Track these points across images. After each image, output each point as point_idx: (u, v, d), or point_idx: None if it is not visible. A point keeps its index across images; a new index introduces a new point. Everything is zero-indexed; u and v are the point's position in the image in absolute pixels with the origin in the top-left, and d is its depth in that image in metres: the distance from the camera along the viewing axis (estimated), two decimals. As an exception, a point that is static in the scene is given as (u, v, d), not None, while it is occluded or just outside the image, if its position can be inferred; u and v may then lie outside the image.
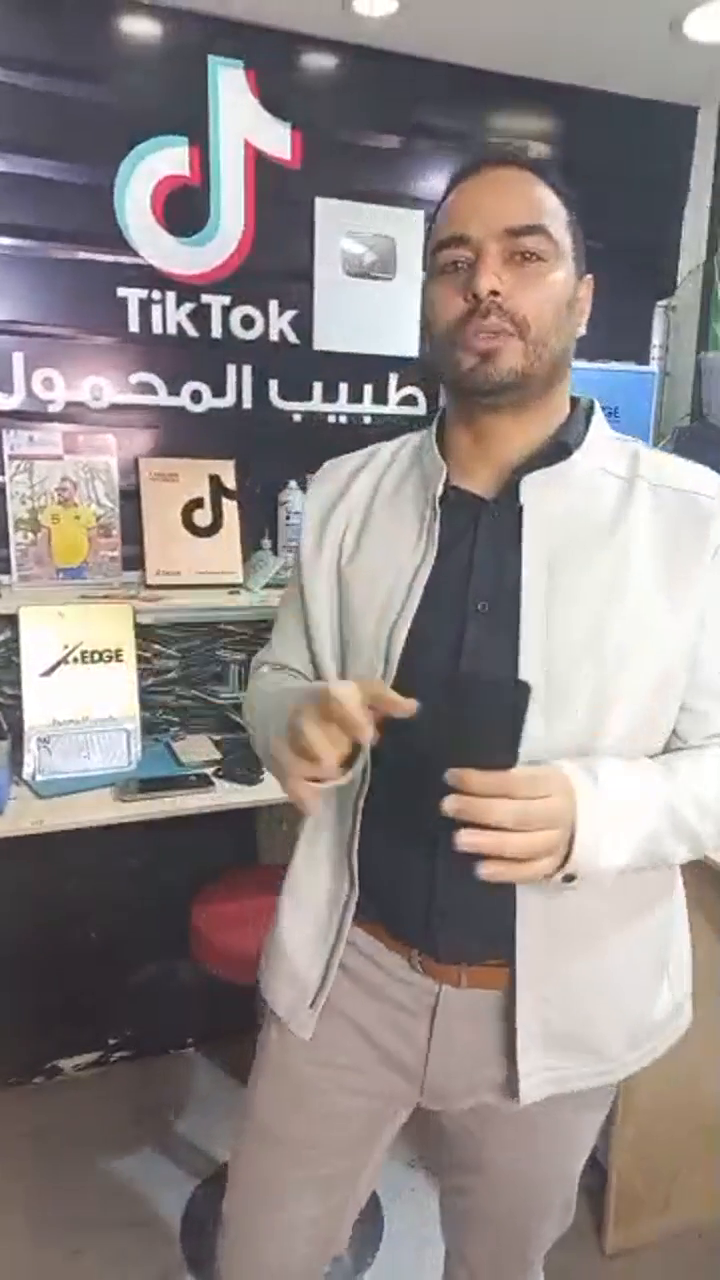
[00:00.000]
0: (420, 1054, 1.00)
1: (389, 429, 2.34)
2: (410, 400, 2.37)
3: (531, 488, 0.90)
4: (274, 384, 2.20)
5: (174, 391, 2.13)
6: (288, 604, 1.10)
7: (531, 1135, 1.06)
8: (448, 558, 0.92)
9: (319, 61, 2.12)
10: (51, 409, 2.04)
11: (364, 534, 0.99)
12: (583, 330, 0.95)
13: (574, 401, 0.98)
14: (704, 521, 0.89)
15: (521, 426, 0.93)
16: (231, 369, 2.17)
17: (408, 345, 2.31)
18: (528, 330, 0.87)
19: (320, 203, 2.14)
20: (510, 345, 0.86)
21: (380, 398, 2.33)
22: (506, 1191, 1.12)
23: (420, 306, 0.96)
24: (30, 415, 2.03)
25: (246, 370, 2.18)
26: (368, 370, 2.30)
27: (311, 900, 1.04)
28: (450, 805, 0.74)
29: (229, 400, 2.18)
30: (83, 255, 2.01)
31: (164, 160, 2.02)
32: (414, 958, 0.98)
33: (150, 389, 2.11)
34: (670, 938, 1.03)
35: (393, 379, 2.34)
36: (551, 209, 0.90)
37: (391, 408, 2.35)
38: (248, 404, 2.19)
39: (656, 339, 2.58)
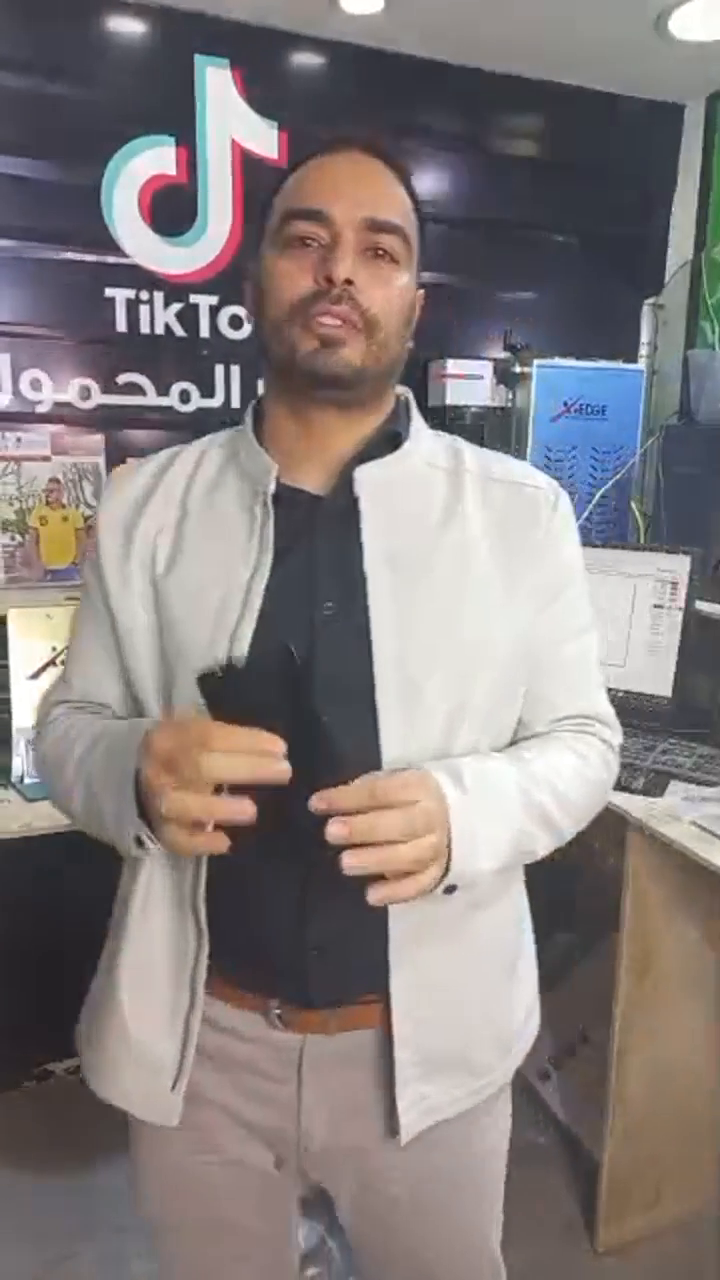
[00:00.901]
0: (290, 1118, 0.92)
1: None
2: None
3: (366, 481, 0.87)
4: (262, 384, 2.19)
5: (162, 392, 2.13)
6: (86, 629, 0.95)
7: (423, 1190, 0.97)
8: (285, 561, 0.85)
9: (306, 60, 2.11)
10: (39, 410, 2.03)
11: (180, 541, 0.89)
12: (410, 343, 0.92)
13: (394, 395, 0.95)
14: (531, 509, 0.91)
15: (350, 423, 0.89)
16: (220, 369, 2.16)
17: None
18: (376, 329, 0.83)
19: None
20: (354, 339, 0.82)
21: (369, 397, 2.33)
22: (420, 1269, 1.02)
23: (254, 277, 0.89)
24: (18, 416, 2.02)
25: (235, 370, 2.17)
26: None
27: (152, 965, 0.91)
28: (335, 831, 0.67)
29: (218, 400, 2.18)
30: (70, 255, 2.00)
31: (151, 160, 2.01)
32: (272, 1011, 0.88)
33: (139, 389, 2.11)
34: (520, 937, 1.00)
35: (381, 378, 2.34)
36: (408, 214, 0.87)
37: (380, 407, 2.35)
38: (236, 404, 2.19)
39: (644, 337, 2.58)
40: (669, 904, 1.65)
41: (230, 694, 0.67)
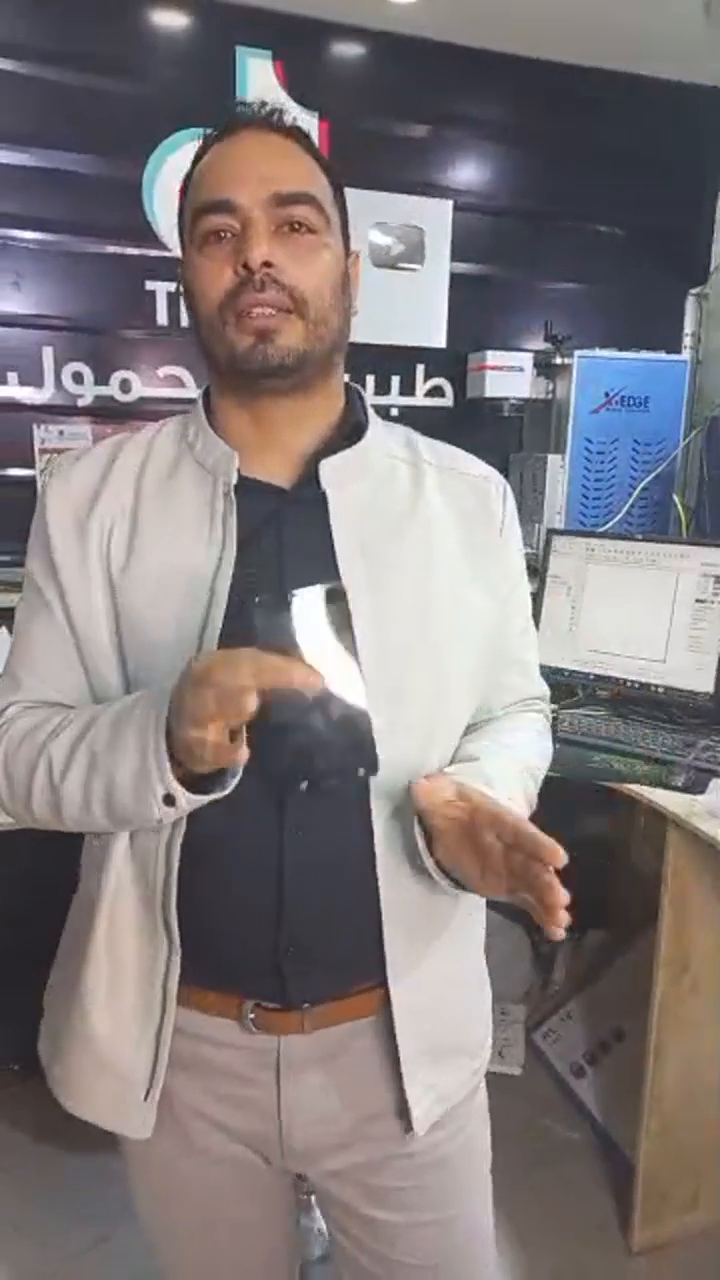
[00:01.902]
0: (270, 1120, 0.90)
1: (417, 420, 2.33)
2: (438, 391, 2.36)
3: (332, 474, 0.85)
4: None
5: (202, 384, 2.13)
6: (36, 626, 0.89)
7: (422, 1180, 0.95)
8: (249, 554, 0.83)
9: (347, 50, 2.11)
10: (81, 402, 2.05)
11: (135, 536, 0.85)
12: (357, 309, 0.88)
13: (346, 387, 0.93)
14: (488, 501, 0.93)
15: (306, 410, 0.86)
16: (259, 361, 2.17)
17: (435, 336, 2.30)
18: (306, 308, 0.80)
19: (348, 193, 2.12)
20: (289, 324, 0.80)
21: (407, 389, 2.32)
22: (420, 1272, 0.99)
23: (182, 280, 0.86)
24: (60, 409, 2.04)
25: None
26: (395, 361, 2.29)
27: (119, 975, 0.88)
28: (560, 900, 0.67)
29: (256, 392, 2.18)
30: (111, 249, 2.02)
31: (192, 152, 2.01)
32: (246, 1014, 0.86)
33: (179, 382, 2.12)
34: (483, 915, 1.00)
35: (420, 370, 2.33)
36: (320, 181, 0.84)
37: (419, 399, 2.34)
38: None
39: (688, 328, 2.54)
40: (708, 902, 1.63)
41: (268, 625, 0.68)
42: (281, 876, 0.82)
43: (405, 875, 0.84)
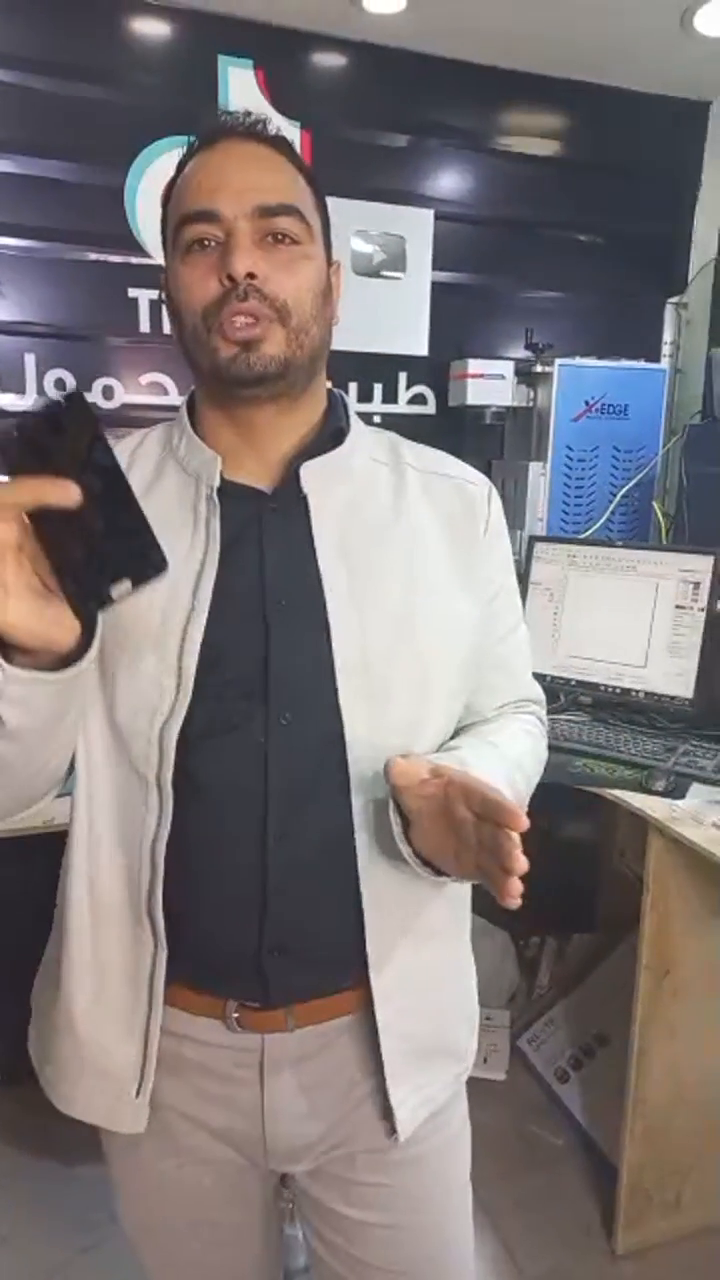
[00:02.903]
0: (254, 1120, 0.90)
1: (399, 428, 2.34)
2: (420, 399, 2.37)
3: (312, 477, 0.85)
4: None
5: (185, 391, 2.12)
6: None
7: (404, 1181, 0.95)
8: (231, 557, 0.84)
9: (328, 60, 2.12)
10: (63, 409, 2.05)
11: None
12: (339, 318, 0.89)
13: (329, 393, 0.93)
14: (474, 504, 0.92)
15: (287, 417, 0.87)
16: (242, 368, 2.17)
17: (417, 344, 2.31)
18: (289, 317, 0.81)
19: (330, 202, 2.13)
20: (272, 332, 0.80)
21: (390, 396, 2.33)
22: (410, 1261, 0.99)
23: (165, 287, 0.87)
24: (42, 415, 2.03)
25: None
26: (377, 369, 2.30)
27: (105, 973, 0.88)
28: (516, 890, 0.66)
29: (239, 399, 2.18)
30: (94, 256, 2.02)
31: (175, 160, 1.99)
32: (230, 1013, 0.87)
33: (161, 389, 2.12)
34: (469, 917, 0.99)
35: (402, 377, 2.34)
36: (303, 190, 0.84)
37: (401, 406, 2.35)
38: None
39: (667, 336, 2.57)
40: (690, 906, 1.64)
41: (25, 450, 0.63)
42: (265, 877, 0.83)
43: (387, 873, 0.85)
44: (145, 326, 2.08)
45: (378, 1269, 0.98)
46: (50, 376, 2.02)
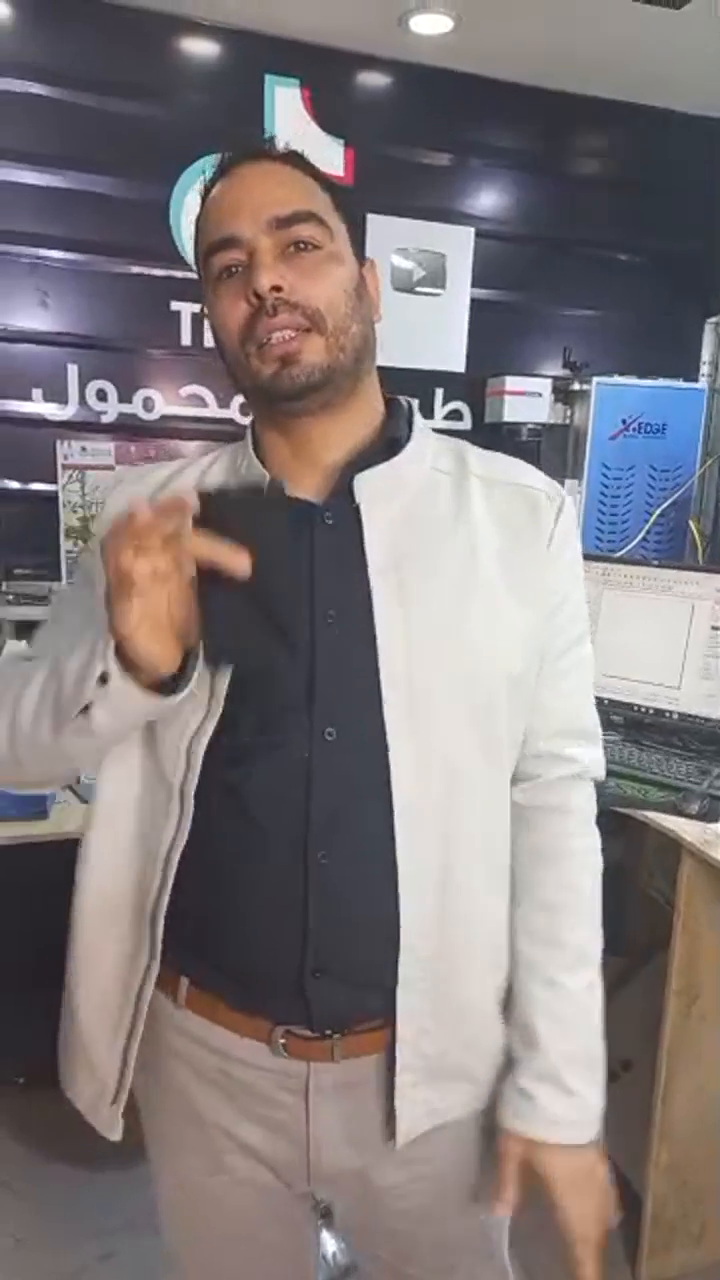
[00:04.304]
0: (299, 1146, 0.89)
1: (435, 443, 2.35)
2: (456, 415, 2.38)
3: (366, 488, 0.84)
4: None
5: (224, 404, 2.16)
6: (69, 611, 0.92)
7: (431, 1195, 0.95)
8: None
9: (373, 80, 2.15)
10: (104, 419, 2.08)
11: None
12: (379, 317, 0.88)
13: (390, 401, 0.92)
14: (538, 514, 0.89)
15: (339, 425, 0.86)
16: (280, 382, 2.19)
17: (455, 360, 2.32)
18: (324, 322, 0.80)
19: (372, 219, 2.16)
20: (309, 342, 0.80)
21: (426, 412, 2.34)
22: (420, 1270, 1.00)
23: (208, 319, 0.88)
24: (84, 426, 2.07)
25: (295, 383, 2.20)
26: (413, 384, 2.31)
27: (100, 970, 0.90)
28: None
29: (277, 413, 2.20)
30: (137, 270, 2.06)
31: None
32: (276, 1039, 0.85)
33: (201, 401, 2.15)
34: (507, 947, 0.96)
35: (439, 393, 2.35)
36: (318, 196, 0.84)
37: (437, 421, 2.36)
38: (295, 416, 2.21)
39: (706, 356, 2.56)
40: (720, 931, 1.62)
41: (215, 516, 0.70)
42: (306, 896, 0.82)
43: (429, 895, 0.84)
44: (186, 339, 2.11)
45: (405, 1273, 1.00)
46: (92, 387, 2.06)
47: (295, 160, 0.85)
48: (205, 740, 0.82)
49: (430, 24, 1.93)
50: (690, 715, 1.86)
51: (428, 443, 0.90)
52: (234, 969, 0.86)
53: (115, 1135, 0.91)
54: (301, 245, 0.81)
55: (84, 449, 2.05)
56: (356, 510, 0.85)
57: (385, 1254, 1.00)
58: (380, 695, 0.81)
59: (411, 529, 0.86)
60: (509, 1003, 0.93)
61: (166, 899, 0.85)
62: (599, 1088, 0.91)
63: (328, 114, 2.10)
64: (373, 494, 0.85)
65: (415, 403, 0.94)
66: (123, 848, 0.88)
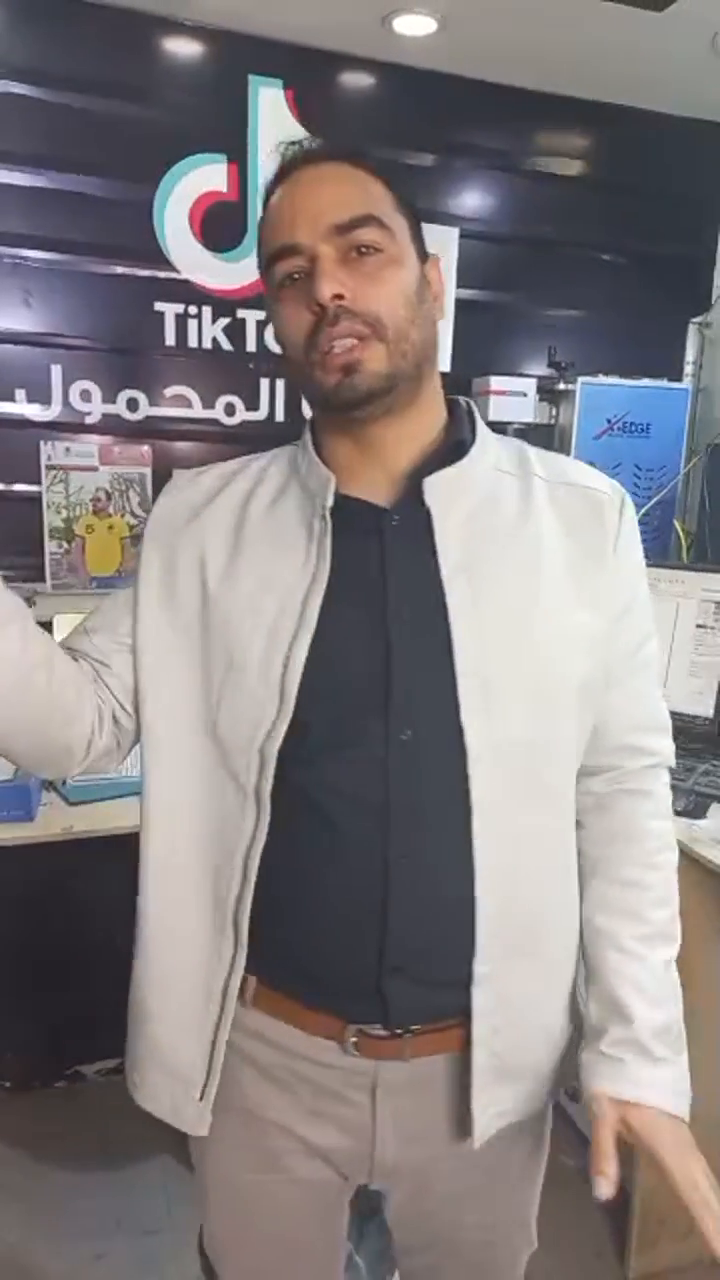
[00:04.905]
0: (364, 1140, 0.91)
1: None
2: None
3: (435, 490, 0.85)
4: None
5: (208, 404, 2.16)
6: (118, 599, 0.95)
7: (482, 1178, 0.97)
8: (350, 572, 0.84)
9: (357, 81, 2.15)
10: (88, 420, 2.07)
11: (237, 551, 0.88)
12: (440, 315, 0.88)
13: (451, 402, 0.93)
14: (603, 515, 0.89)
15: (405, 429, 0.86)
16: (265, 383, 2.19)
17: (440, 360, 2.32)
18: (385, 330, 0.80)
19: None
20: (371, 349, 0.80)
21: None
22: (472, 1251, 1.02)
23: (271, 327, 0.89)
24: (67, 426, 2.06)
25: (280, 384, 2.20)
26: (400, 384, 2.31)
27: (179, 971, 0.90)
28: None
29: (262, 413, 2.20)
30: (121, 270, 2.05)
31: (203, 177, 2.05)
32: (347, 1037, 0.86)
33: (185, 402, 2.14)
34: (576, 946, 0.98)
35: (425, 393, 2.35)
36: (378, 194, 0.83)
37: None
38: (280, 417, 2.21)
39: (689, 356, 2.57)
40: (709, 928, 1.62)
41: None
42: (386, 896, 0.83)
43: (504, 894, 0.84)
44: (170, 340, 2.10)
45: (449, 1241, 1.02)
46: (76, 388, 2.05)
47: (355, 158, 0.84)
48: (278, 742, 0.83)
49: (414, 25, 1.93)
50: (676, 713, 1.86)
51: (490, 443, 0.90)
52: (309, 968, 0.87)
53: (203, 1131, 0.91)
54: (363, 250, 0.80)
55: (68, 450, 2.04)
56: (426, 513, 0.85)
57: (428, 1230, 1.01)
58: (456, 695, 0.82)
59: (480, 530, 0.86)
60: (592, 978, 0.93)
61: (250, 899, 0.86)
62: (685, 1062, 0.93)
63: (312, 114, 2.10)
64: (442, 496, 0.85)
65: (474, 404, 0.94)
66: (188, 849, 0.89)
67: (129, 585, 0.94)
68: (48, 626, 1.96)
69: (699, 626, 1.86)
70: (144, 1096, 0.95)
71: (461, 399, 0.93)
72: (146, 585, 0.91)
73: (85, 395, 2.06)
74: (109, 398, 2.08)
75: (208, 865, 0.88)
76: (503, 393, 2.27)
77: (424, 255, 0.86)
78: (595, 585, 0.88)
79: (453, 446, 0.88)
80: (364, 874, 0.83)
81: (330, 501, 0.85)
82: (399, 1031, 0.86)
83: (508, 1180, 1.01)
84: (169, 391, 2.13)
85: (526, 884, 0.87)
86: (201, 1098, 0.90)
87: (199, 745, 0.88)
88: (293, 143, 0.85)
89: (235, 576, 0.87)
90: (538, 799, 0.87)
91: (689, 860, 1.54)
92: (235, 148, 2.06)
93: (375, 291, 0.80)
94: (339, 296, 0.79)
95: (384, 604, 0.84)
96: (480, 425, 0.91)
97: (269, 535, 0.88)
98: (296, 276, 0.81)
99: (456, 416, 0.91)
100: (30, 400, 2.03)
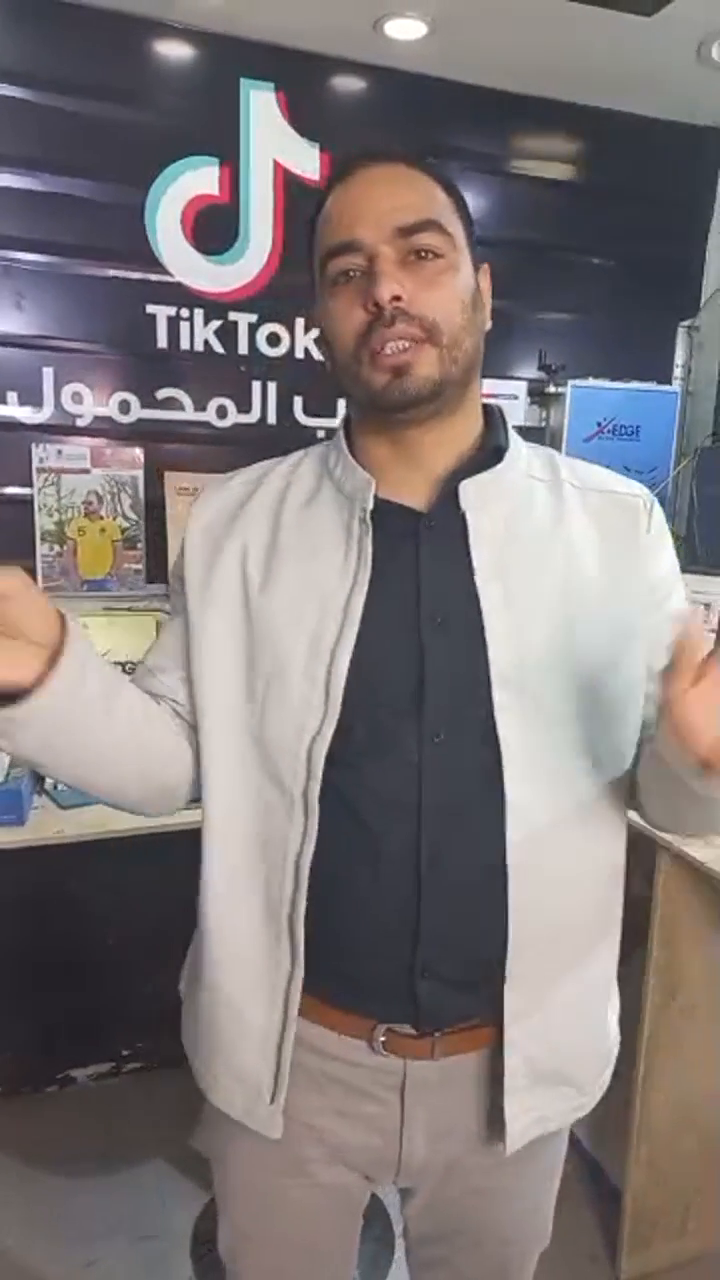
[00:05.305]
0: (392, 1140, 0.92)
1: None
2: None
3: (472, 495, 0.85)
4: (299, 400, 2.23)
5: (200, 407, 2.16)
6: (164, 629, 0.99)
7: (506, 1179, 0.98)
8: (385, 575, 0.84)
9: (349, 84, 2.15)
10: (79, 423, 2.07)
11: (273, 557, 0.88)
12: (489, 324, 0.89)
13: (486, 409, 0.93)
14: (633, 518, 0.90)
15: (447, 434, 0.87)
16: (257, 385, 2.19)
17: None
18: (440, 335, 0.80)
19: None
20: (423, 354, 0.80)
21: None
22: (489, 1246, 1.03)
23: (318, 324, 0.88)
24: (59, 429, 2.06)
25: (272, 387, 2.20)
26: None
27: (239, 979, 0.91)
28: None
29: (254, 416, 2.20)
30: (113, 272, 2.05)
31: (195, 180, 2.05)
32: (376, 1036, 0.87)
33: (177, 404, 2.14)
34: (616, 955, 0.99)
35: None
36: (440, 200, 0.83)
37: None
38: (272, 420, 2.21)
39: (679, 359, 2.58)
40: (698, 928, 1.63)
41: None
42: (419, 898, 0.83)
43: (538, 899, 0.85)
44: (162, 342, 2.10)
45: (468, 1236, 1.02)
46: (67, 390, 2.04)
47: (418, 161, 0.84)
48: (325, 746, 0.83)
49: (405, 29, 1.94)
50: (666, 715, 1.88)
51: (523, 450, 0.91)
52: (342, 969, 0.87)
53: (276, 1133, 0.90)
54: (422, 254, 0.81)
55: (60, 452, 2.04)
56: (462, 517, 0.85)
57: (449, 1224, 1.02)
58: (491, 698, 0.82)
59: (515, 535, 0.86)
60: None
61: (303, 905, 0.85)
62: None
63: (303, 118, 2.10)
64: (478, 500, 0.85)
65: (504, 410, 0.94)
66: (243, 853, 0.89)
67: (179, 614, 0.95)
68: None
69: (689, 628, 1.86)
70: (219, 1099, 0.95)
71: (494, 405, 0.94)
72: (194, 601, 0.91)
73: (77, 398, 2.06)
74: (101, 400, 2.08)
75: (259, 872, 0.88)
76: (493, 395, 2.27)
77: (478, 263, 0.87)
78: (631, 587, 0.88)
79: (490, 452, 0.88)
80: (397, 875, 0.83)
81: (370, 505, 0.85)
82: (429, 1031, 0.87)
83: (531, 1180, 1.01)
84: (161, 394, 2.12)
85: (564, 889, 0.87)
86: (272, 1101, 0.90)
87: (250, 751, 0.88)
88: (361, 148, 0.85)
89: (275, 581, 0.87)
90: (578, 802, 0.87)
91: (680, 863, 1.54)
92: (227, 150, 2.06)
93: (432, 296, 0.80)
94: (397, 298, 0.79)
95: (418, 607, 0.84)
96: (512, 432, 0.91)
97: (306, 538, 0.88)
98: (352, 274, 0.81)
99: (492, 423, 0.92)
100: (22, 403, 2.02)
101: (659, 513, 0.93)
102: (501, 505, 0.87)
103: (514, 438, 0.91)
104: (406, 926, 0.84)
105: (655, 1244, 1.78)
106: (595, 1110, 1.00)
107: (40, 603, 0.76)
